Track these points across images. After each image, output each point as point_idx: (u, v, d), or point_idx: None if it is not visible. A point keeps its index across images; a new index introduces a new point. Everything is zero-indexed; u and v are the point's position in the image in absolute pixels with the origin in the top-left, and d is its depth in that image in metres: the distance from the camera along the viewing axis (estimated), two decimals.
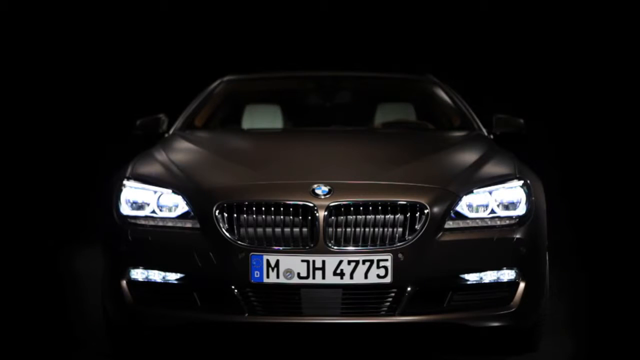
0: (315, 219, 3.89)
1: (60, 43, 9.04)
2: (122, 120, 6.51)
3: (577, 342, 4.71)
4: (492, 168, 4.32)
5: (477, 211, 4.06)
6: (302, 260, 3.88)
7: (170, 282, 4.04)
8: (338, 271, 3.87)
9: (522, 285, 4.06)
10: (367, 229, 3.91)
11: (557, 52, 9.07)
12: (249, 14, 9.39)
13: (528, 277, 4.07)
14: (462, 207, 4.04)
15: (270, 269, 3.88)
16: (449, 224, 3.99)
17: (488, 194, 4.11)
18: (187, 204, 4.06)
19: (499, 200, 4.11)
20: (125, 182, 4.22)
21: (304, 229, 3.91)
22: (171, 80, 8.62)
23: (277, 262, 3.88)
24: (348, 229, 3.91)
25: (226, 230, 3.93)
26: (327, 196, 3.93)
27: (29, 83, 8.88)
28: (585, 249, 6.98)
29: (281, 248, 3.90)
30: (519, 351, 4.38)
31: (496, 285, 4.05)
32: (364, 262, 3.87)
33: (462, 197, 4.05)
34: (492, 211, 4.08)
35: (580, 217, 7.57)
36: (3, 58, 8.84)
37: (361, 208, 3.92)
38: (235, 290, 3.93)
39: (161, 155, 4.51)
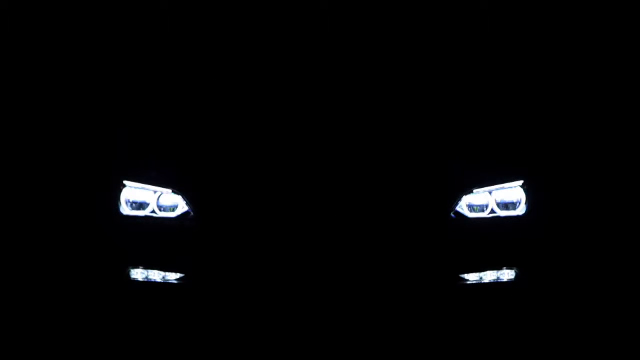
0: (315, 219, 3.89)
1: (61, 43, 9.03)
2: (121, 120, 6.50)
3: (576, 341, 4.71)
4: (492, 168, 4.32)
5: (477, 211, 4.07)
6: (302, 261, 3.88)
7: (170, 282, 4.04)
8: (338, 271, 3.88)
9: (522, 284, 4.07)
10: (366, 229, 3.91)
11: (557, 52, 9.06)
12: (249, 13, 9.38)
13: (528, 277, 4.08)
14: (462, 207, 4.04)
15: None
16: (449, 224, 4.00)
17: (488, 194, 4.11)
18: (187, 204, 4.07)
19: (499, 200, 4.12)
20: (125, 182, 4.23)
21: (304, 230, 3.91)
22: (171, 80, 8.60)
23: (277, 262, 3.89)
24: (348, 229, 3.91)
25: (226, 231, 3.93)
26: (327, 197, 3.94)
27: (29, 82, 8.87)
28: (584, 248, 6.98)
29: (281, 248, 3.90)
30: (518, 351, 4.39)
31: (496, 285, 4.05)
32: (363, 262, 3.88)
33: (462, 197, 4.05)
34: (492, 211, 4.09)
35: (580, 216, 7.56)
36: (2, 58, 8.83)
37: (361, 208, 3.92)
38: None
39: (161, 155, 4.51)
